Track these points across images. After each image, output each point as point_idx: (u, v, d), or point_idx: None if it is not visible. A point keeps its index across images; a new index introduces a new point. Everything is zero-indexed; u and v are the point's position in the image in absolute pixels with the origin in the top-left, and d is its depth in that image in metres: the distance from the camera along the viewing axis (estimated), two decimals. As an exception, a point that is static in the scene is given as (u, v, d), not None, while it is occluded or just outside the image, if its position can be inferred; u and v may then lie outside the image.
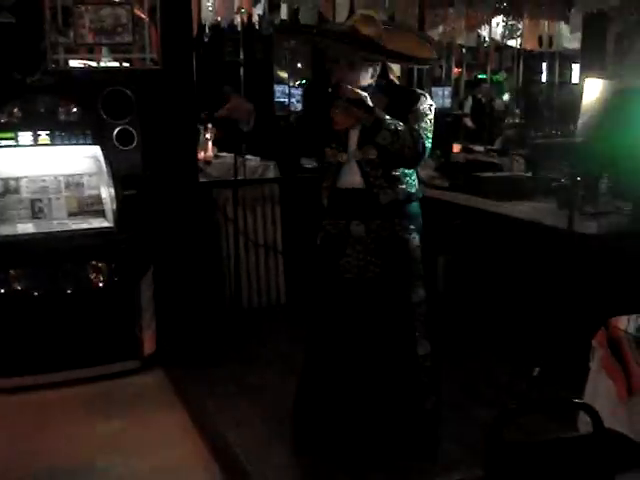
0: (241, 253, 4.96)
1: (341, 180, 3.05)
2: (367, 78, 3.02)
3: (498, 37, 7.66)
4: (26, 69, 3.95)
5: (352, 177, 3.03)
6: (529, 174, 4.81)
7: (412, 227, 3.09)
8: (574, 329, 3.70)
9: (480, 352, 4.34)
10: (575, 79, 8.06)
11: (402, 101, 3.03)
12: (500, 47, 8.37)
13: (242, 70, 5.06)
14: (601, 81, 3.62)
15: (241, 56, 5.43)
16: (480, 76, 8.33)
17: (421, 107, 3.00)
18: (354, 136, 3.02)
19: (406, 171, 3.06)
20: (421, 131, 2.95)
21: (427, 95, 3.10)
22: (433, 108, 3.06)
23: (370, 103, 2.89)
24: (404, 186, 3.04)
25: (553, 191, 4.36)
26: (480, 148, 5.95)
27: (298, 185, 5.17)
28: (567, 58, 7.61)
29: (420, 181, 5.13)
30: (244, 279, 5.01)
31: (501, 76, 8.76)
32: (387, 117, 2.88)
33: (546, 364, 3.79)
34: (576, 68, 7.98)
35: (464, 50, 8.17)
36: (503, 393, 3.76)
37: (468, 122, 6.25)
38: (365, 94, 2.90)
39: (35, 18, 4.04)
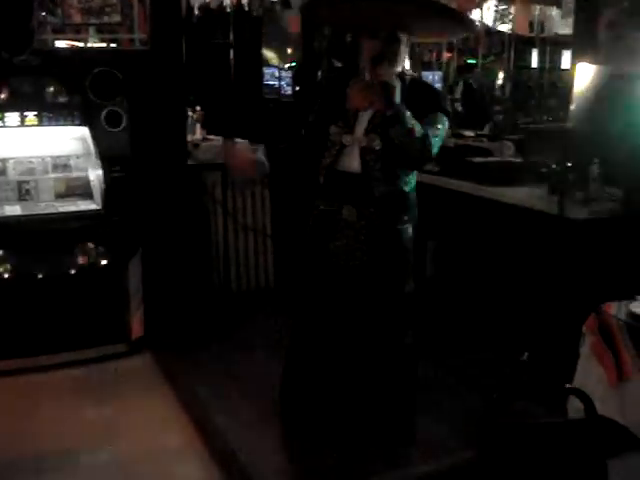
0: (230, 236, 4.93)
1: (340, 161, 2.99)
2: (401, 60, 2.96)
3: (489, 22, 7.65)
4: (14, 49, 3.88)
5: (351, 161, 2.97)
6: (519, 159, 4.80)
7: (406, 218, 3.04)
8: (564, 314, 3.71)
9: (469, 337, 4.33)
10: (565, 65, 8.08)
11: (418, 97, 2.94)
12: (490, 32, 8.36)
13: (232, 52, 4.98)
14: (593, 66, 3.60)
15: (231, 38, 5.37)
16: (469, 61, 8.31)
17: (441, 113, 2.94)
18: (363, 120, 2.95)
19: (407, 171, 3.01)
20: (433, 139, 2.86)
21: (446, 97, 3.07)
22: (450, 114, 3.04)
23: (398, 94, 2.81)
24: (400, 184, 2.99)
25: (544, 177, 4.35)
26: (470, 133, 5.92)
27: (287, 168, 5.13)
28: (558, 44, 7.60)
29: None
30: (233, 262, 4.98)
31: (490, 60, 8.74)
32: (408, 113, 2.79)
33: (535, 349, 3.80)
34: (567, 54, 7.99)
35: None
36: (493, 378, 3.76)
37: (458, 107, 6.23)
38: (397, 84, 2.83)
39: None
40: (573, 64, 4.39)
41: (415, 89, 2.97)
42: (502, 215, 4.33)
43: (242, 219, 5.00)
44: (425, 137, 2.81)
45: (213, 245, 4.95)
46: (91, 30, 4.60)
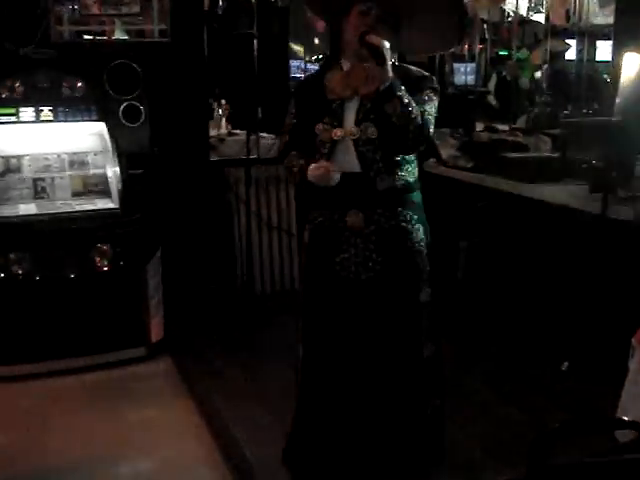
0: (253, 236, 4.74)
1: (335, 163, 2.64)
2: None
3: (522, 11, 7.38)
4: (20, 39, 3.72)
5: (347, 159, 2.65)
6: (556, 155, 4.57)
7: (416, 217, 2.74)
8: (609, 323, 3.49)
9: (505, 345, 4.09)
10: (601, 57, 7.78)
11: (407, 80, 2.64)
12: (524, 22, 8.09)
13: (256, 44, 4.77)
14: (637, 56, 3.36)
15: (254, 29, 5.16)
16: (501, 52, 8.04)
17: (428, 90, 2.68)
18: (351, 110, 2.66)
19: (406, 157, 2.71)
20: (427, 117, 2.61)
21: (434, 77, 2.82)
22: (438, 93, 2.73)
23: (389, 58, 2.51)
24: (403, 173, 2.68)
25: (584, 173, 4.12)
26: (504, 127, 5.69)
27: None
28: (592, 35, 7.30)
29: (441, 161, 4.99)
30: (257, 263, 4.79)
31: (524, 53, 8.46)
32: (402, 87, 2.54)
33: (576, 358, 3.57)
34: (601, 45, 7.68)
35: (485, 25, 7.92)
36: (530, 389, 3.55)
37: (492, 100, 5.99)
38: (387, 46, 2.52)
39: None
40: (617, 54, 4.16)
41: (402, 72, 2.66)
42: (540, 214, 4.11)
43: (266, 217, 4.81)
44: (423, 113, 2.58)
45: (236, 245, 4.77)
46: (117, 22, 4.46)
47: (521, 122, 5.81)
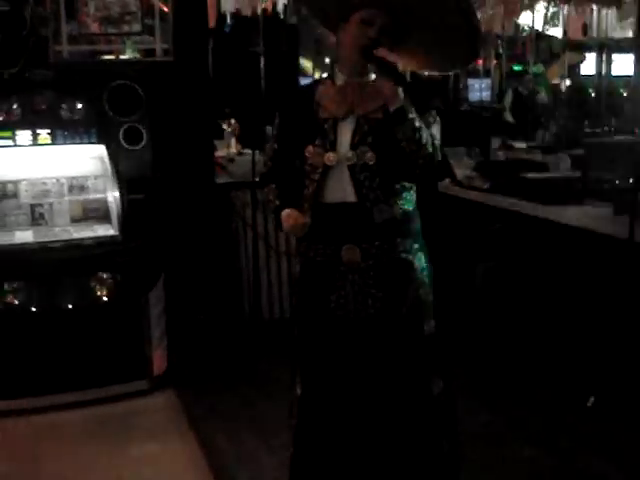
0: (261, 261, 4.55)
1: (327, 191, 2.39)
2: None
3: (537, 25, 7.20)
4: (5, 61, 3.56)
5: (341, 187, 2.38)
6: (577, 174, 4.38)
7: (416, 246, 2.49)
8: (636, 354, 3.28)
9: (525, 376, 3.87)
10: (618, 71, 7.58)
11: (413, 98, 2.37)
12: (538, 36, 7.90)
13: (262, 61, 4.61)
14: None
15: (262, 46, 5.01)
16: (515, 68, 7.85)
17: (433, 111, 2.44)
18: (346, 131, 2.39)
19: (406, 185, 2.46)
20: (436, 141, 2.38)
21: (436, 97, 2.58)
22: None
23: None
24: (402, 202, 2.43)
25: (607, 194, 3.93)
26: (521, 145, 5.50)
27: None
28: (610, 48, 7.10)
29: (457, 182, 4.80)
30: (264, 289, 4.60)
31: (539, 68, 8.27)
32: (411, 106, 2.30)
33: (603, 393, 3.35)
34: (618, 59, 7.48)
35: (500, 40, 7.74)
36: (553, 427, 3.33)
37: (508, 117, 5.80)
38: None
39: (16, 3, 3.66)
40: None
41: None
42: (561, 237, 3.91)
43: (274, 242, 4.62)
44: (433, 139, 2.35)
45: (243, 271, 4.58)
46: (127, 42, 4.31)
47: (538, 139, 5.61)
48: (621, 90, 6.99)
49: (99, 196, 3.93)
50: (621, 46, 6.70)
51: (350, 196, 2.39)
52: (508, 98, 5.88)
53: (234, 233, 4.56)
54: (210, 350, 4.16)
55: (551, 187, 4.18)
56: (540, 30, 7.58)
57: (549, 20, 6.11)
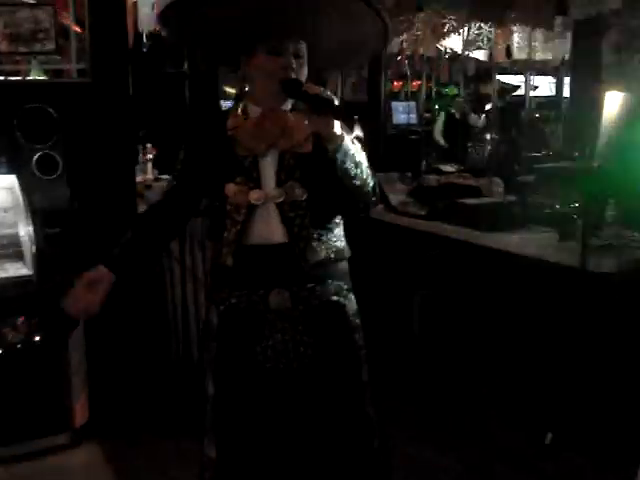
0: (189, 297, 4.23)
1: (253, 232, 2.18)
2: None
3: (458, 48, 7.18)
4: None
5: (268, 227, 2.17)
6: (512, 199, 4.27)
7: (346, 287, 2.29)
8: (588, 384, 3.15)
9: (473, 412, 3.69)
10: (544, 92, 7.66)
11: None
12: (455, 59, 7.91)
13: (187, 82, 4.32)
14: (619, 94, 3.07)
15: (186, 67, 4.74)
16: (445, 89, 7.82)
17: (361, 133, 2.24)
18: (269, 167, 2.18)
19: (336, 220, 2.27)
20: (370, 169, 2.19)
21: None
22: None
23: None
24: (334, 239, 2.25)
25: (548, 219, 3.83)
26: (450, 168, 5.37)
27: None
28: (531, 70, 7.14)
29: (391, 208, 4.63)
30: (194, 329, 4.27)
31: (452, 90, 8.29)
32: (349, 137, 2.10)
33: (560, 428, 3.21)
34: (540, 80, 7.55)
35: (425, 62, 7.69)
36: (511, 467, 3.15)
37: (440, 139, 5.70)
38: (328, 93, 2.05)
39: None
40: (574, 90, 3.90)
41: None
42: (502, 264, 3.77)
43: (204, 277, 4.32)
44: (369, 166, 2.16)
45: (170, 308, 4.24)
46: (33, 61, 3.96)
47: (469, 162, 5.52)
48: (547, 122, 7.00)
49: (9, 231, 3.53)
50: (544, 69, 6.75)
51: (279, 236, 2.17)
52: (440, 120, 5.79)
53: (159, 267, 4.23)
54: (136, 397, 3.80)
55: (489, 213, 4.04)
56: (460, 53, 7.57)
57: (475, 42, 6.03)
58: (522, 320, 3.62)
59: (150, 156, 5.77)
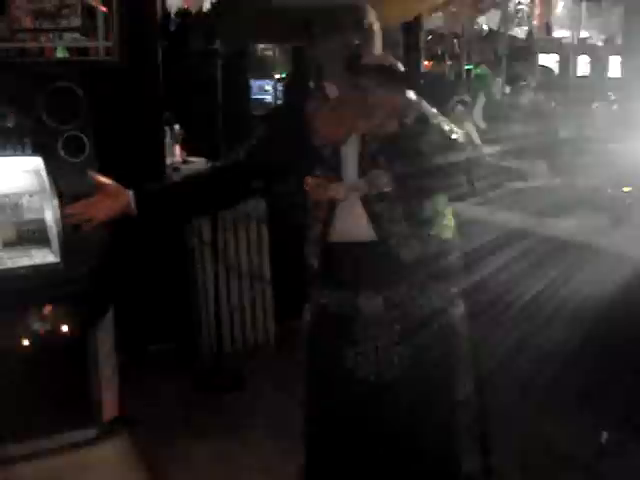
0: (221, 284, 4.06)
1: (337, 229, 2.00)
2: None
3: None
4: None
5: (354, 223, 1.98)
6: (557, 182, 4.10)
7: (454, 291, 2.07)
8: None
9: (530, 410, 3.44)
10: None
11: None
12: (486, 37, 7.67)
13: (219, 62, 4.11)
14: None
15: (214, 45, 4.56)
16: (478, 70, 7.58)
17: (456, 97, 2.03)
18: (351, 155, 1.98)
19: (439, 208, 2.02)
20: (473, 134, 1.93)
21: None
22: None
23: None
24: (436, 231, 2.00)
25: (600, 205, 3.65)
26: (491, 151, 5.17)
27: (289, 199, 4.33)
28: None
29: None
30: (225, 316, 4.11)
31: (483, 69, 8.04)
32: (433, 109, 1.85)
33: (617, 427, 3.02)
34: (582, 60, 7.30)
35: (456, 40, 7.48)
36: (564, 467, 2.98)
37: (480, 122, 5.48)
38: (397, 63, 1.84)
39: None
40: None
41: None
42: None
43: (236, 262, 4.16)
44: (468, 135, 1.89)
45: (201, 296, 4.09)
46: (56, 38, 3.82)
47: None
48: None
49: (36, 217, 3.41)
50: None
51: (366, 234, 1.96)
52: (480, 102, 5.56)
53: (190, 252, 4.08)
54: (166, 390, 3.67)
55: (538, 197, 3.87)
56: (496, 29, 7.35)
57: (511, 19, 5.82)
58: (576, 310, 3.42)
59: (176, 138, 5.65)
